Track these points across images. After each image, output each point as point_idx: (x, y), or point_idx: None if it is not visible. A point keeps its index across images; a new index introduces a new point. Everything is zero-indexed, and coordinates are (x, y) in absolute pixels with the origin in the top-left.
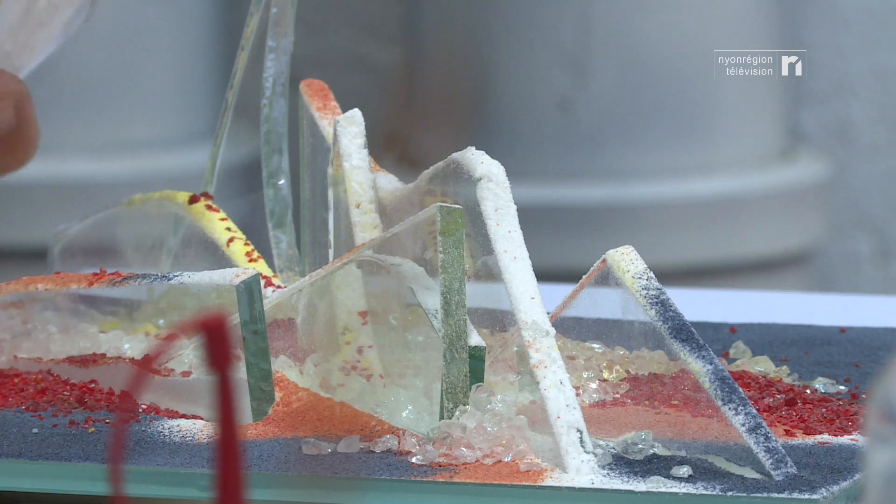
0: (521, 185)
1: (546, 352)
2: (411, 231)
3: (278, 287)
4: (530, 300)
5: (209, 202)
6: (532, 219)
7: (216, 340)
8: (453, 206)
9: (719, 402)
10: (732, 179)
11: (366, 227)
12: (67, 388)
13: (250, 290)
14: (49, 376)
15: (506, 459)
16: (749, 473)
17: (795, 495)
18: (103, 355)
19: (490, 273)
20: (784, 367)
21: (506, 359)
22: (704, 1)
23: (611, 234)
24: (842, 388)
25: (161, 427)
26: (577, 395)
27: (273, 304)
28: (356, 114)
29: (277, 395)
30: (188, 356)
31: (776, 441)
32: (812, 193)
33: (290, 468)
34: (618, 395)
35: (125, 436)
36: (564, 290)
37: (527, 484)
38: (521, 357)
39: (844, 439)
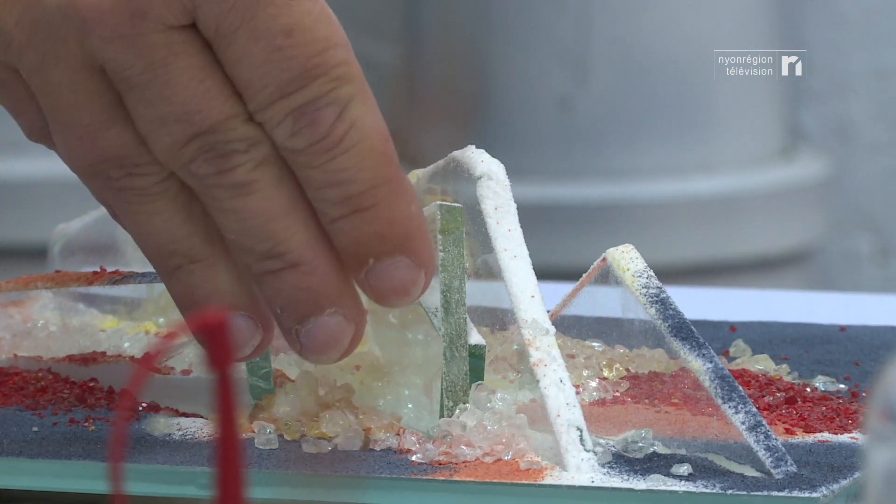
0: (521, 184)
1: (546, 350)
2: None
3: None
4: (530, 298)
5: None
6: (532, 217)
7: (216, 339)
8: (453, 204)
9: (719, 401)
10: (732, 178)
11: None
12: (67, 386)
13: None
14: (49, 375)
15: (506, 458)
16: (749, 472)
17: (795, 493)
18: (103, 354)
19: (490, 271)
20: (784, 365)
21: (506, 357)
22: (704, 1)
23: (611, 232)
24: (842, 386)
25: (161, 425)
26: (577, 393)
27: None
28: None
29: None
30: (188, 354)
31: (776, 439)
32: (812, 192)
33: (290, 467)
34: (618, 394)
35: (125, 434)
36: (564, 288)
37: (527, 482)
38: (520, 355)
39: (844, 437)
